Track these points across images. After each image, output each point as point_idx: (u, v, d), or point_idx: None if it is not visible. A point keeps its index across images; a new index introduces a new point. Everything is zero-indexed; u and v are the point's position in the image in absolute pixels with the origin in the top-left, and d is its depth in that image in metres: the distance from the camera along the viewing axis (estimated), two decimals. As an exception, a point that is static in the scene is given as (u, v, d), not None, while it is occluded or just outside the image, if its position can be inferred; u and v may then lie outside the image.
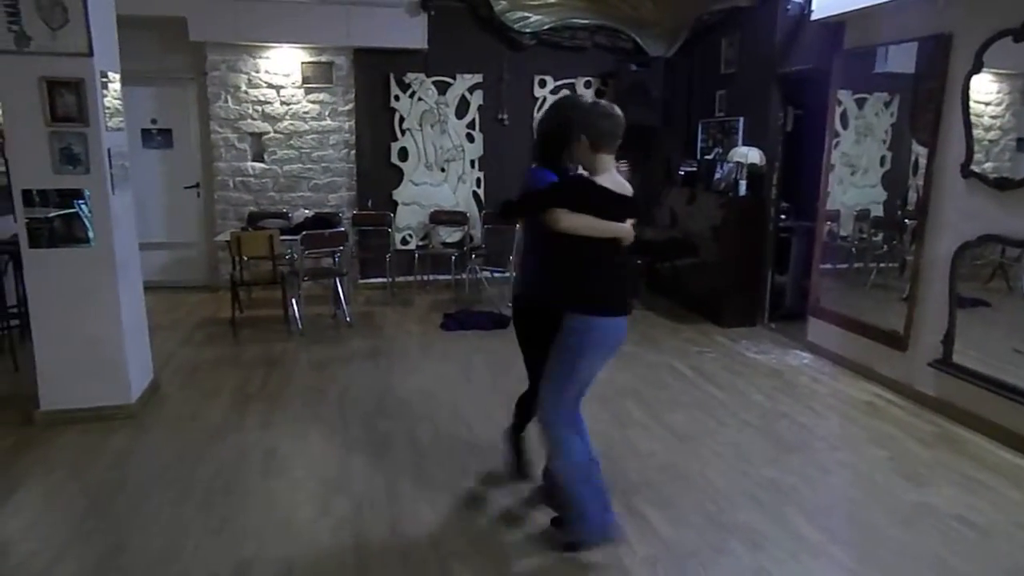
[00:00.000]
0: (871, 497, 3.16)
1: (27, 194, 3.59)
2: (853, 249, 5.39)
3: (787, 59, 5.66)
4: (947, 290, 4.06)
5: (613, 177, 2.60)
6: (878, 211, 5.15)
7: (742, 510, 3.02)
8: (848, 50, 4.91)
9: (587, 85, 7.40)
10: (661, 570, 2.60)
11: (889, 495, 3.17)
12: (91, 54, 3.53)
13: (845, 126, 5.14)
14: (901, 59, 4.64)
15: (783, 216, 6.04)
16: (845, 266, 5.45)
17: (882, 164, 5.05)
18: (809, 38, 5.36)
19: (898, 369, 4.44)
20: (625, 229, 2.61)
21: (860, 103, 5.13)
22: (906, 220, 4.68)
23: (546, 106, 2.86)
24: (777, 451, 3.60)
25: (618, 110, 2.62)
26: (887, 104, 5.04)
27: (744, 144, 6.20)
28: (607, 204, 2.55)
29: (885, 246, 5.16)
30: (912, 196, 4.52)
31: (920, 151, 4.38)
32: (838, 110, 5.08)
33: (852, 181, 5.21)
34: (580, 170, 2.71)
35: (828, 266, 5.35)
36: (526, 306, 2.90)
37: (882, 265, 5.19)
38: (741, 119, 6.33)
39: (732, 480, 3.29)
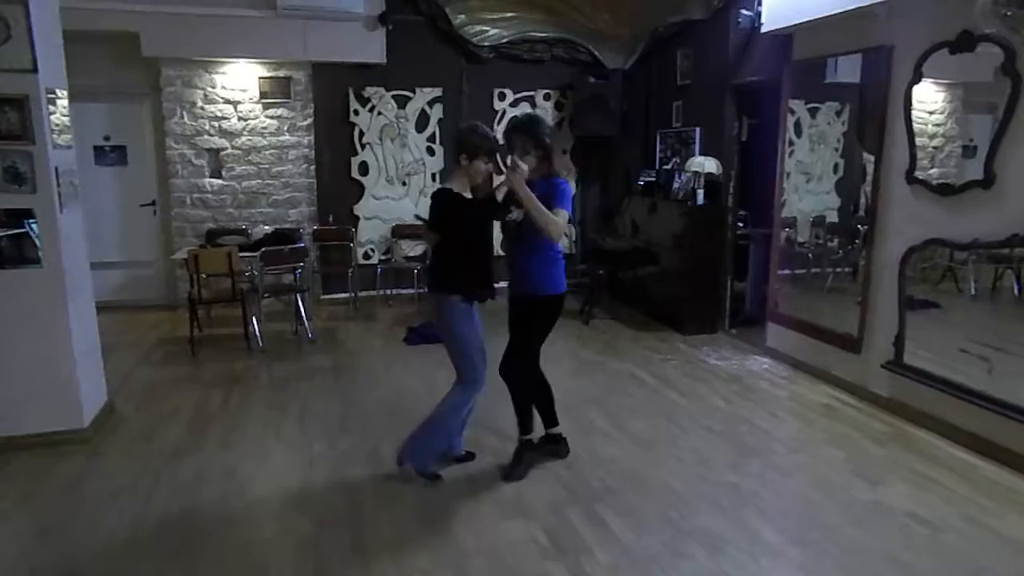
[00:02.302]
0: (828, 497, 3.22)
1: (-28, 214, 3.49)
2: (810, 255, 5.52)
3: (740, 70, 5.79)
4: (896, 293, 4.18)
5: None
6: (833, 217, 5.29)
7: (703, 515, 3.05)
8: (798, 61, 5.04)
9: (546, 97, 7.48)
10: (623, 577, 2.62)
11: (845, 495, 3.24)
12: (35, 70, 3.46)
13: (799, 134, 5.28)
14: (849, 70, 4.78)
15: (741, 224, 6.15)
16: (803, 271, 5.58)
17: (835, 171, 5.19)
18: (760, 50, 5.50)
19: (853, 371, 4.55)
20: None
21: (813, 112, 5.27)
22: (859, 225, 4.80)
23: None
24: (738, 455, 3.66)
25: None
26: (839, 113, 5.18)
27: (701, 154, 6.32)
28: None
29: (840, 251, 5.29)
30: (863, 202, 4.65)
31: (869, 158, 4.52)
32: (791, 119, 5.22)
33: (807, 188, 5.34)
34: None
35: (786, 272, 5.47)
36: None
37: (838, 270, 5.32)
38: (697, 129, 6.45)
39: (693, 485, 3.33)
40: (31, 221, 3.59)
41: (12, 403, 3.69)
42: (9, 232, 3.56)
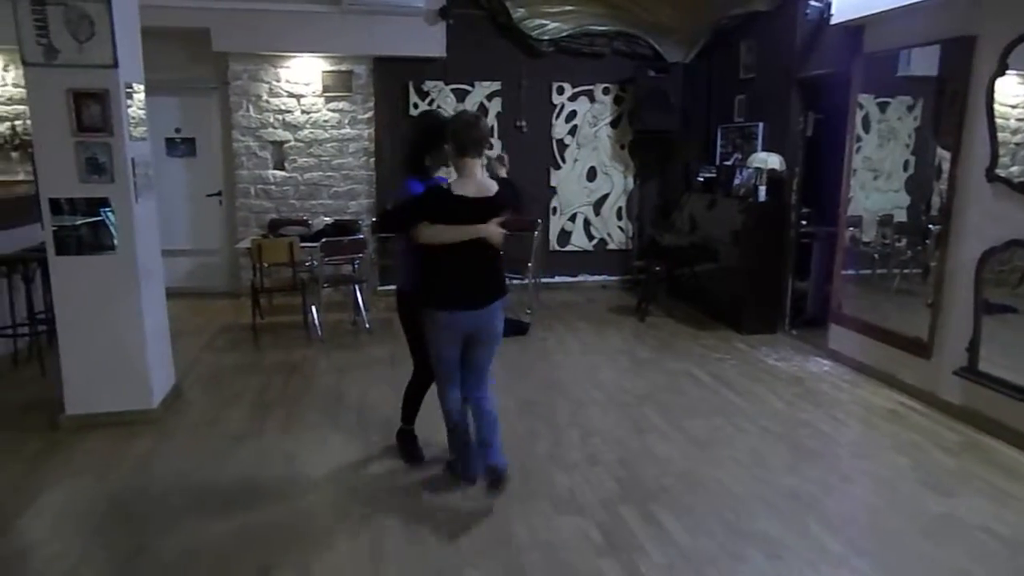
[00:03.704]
0: (894, 507, 3.11)
1: (55, 202, 3.67)
2: (876, 255, 5.31)
3: (807, 63, 5.61)
4: (972, 296, 3.99)
5: (476, 180, 2.93)
6: (902, 216, 5.07)
7: (761, 518, 2.98)
8: (869, 54, 4.86)
9: (605, 92, 7.40)
10: (678, 578, 2.58)
11: (913, 505, 3.12)
12: (116, 66, 3.61)
13: (867, 130, 5.08)
14: (924, 62, 4.58)
15: (804, 222, 5.98)
16: (868, 272, 5.37)
17: (906, 168, 4.97)
18: (829, 42, 5.31)
19: (921, 376, 4.37)
20: (485, 230, 2.93)
21: (883, 107, 5.06)
22: (930, 225, 4.60)
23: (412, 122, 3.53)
24: (797, 459, 3.56)
25: (483, 120, 3.03)
26: (910, 108, 4.96)
27: (764, 149, 6.16)
28: (463, 210, 2.87)
29: (909, 252, 5.07)
30: (936, 201, 4.46)
31: (944, 155, 4.32)
32: (860, 114, 5.03)
33: (875, 186, 5.14)
34: (442, 173, 3.22)
35: (850, 272, 5.28)
36: (408, 298, 3.22)
37: (906, 271, 5.11)
38: (761, 124, 6.29)
39: (751, 488, 3.26)
40: (107, 209, 3.75)
41: (89, 383, 3.87)
42: (87, 220, 3.73)
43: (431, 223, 2.89)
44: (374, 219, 3.23)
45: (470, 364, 3.15)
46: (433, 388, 3.36)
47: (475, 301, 3.00)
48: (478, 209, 2.92)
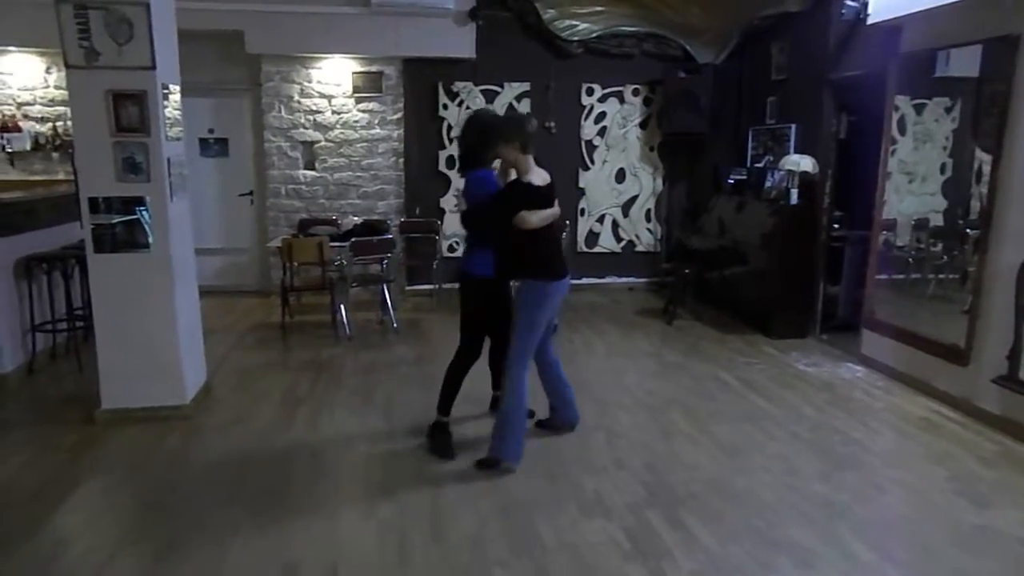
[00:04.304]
0: (929, 517, 3.04)
1: (93, 201, 3.75)
2: (910, 259, 5.20)
3: (840, 64, 5.52)
4: (1013, 303, 3.89)
5: (537, 172, 3.34)
6: (938, 220, 4.96)
7: (792, 526, 2.94)
8: (906, 54, 4.76)
9: (635, 93, 7.36)
10: (707, 586, 2.55)
11: (949, 516, 3.05)
12: (154, 67, 3.68)
13: (903, 132, 4.99)
14: (963, 62, 4.48)
15: (836, 225, 5.88)
16: (901, 277, 5.27)
17: (942, 172, 4.87)
18: (864, 42, 5.22)
19: (958, 384, 4.27)
20: (556, 212, 3.43)
21: (919, 108, 4.96)
22: (967, 230, 4.50)
23: (462, 122, 3.80)
24: (829, 466, 3.50)
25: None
26: (948, 109, 4.86)
27: (796, 151, 6.07)
28: (541, 198, 3.31)
29: (944, 256, 4.96)
30: (975, 205, 4.35)
31: (984, 158, 4.22)
32: (895, 116, 4.93)
33: (910, 189, 5.03)
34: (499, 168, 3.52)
35: (883, 276, 5.18)
36: (480, 285, 3.55)
37: (941, 276, 5.00)
38: (793, 126, 6.20)
39: (781, 495, 3.21)
40: (142, 208, 3.82)
41: (124, 378, 3.95)
42: (124, 218, 3.81)
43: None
44: (462, 212, 3.57)
45: (547, 328, 3.58)
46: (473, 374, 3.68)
47: (567, 269, 3.50)
48: (548, 195, 3.37)
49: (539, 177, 3.33)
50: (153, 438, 3.76)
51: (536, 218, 3.28)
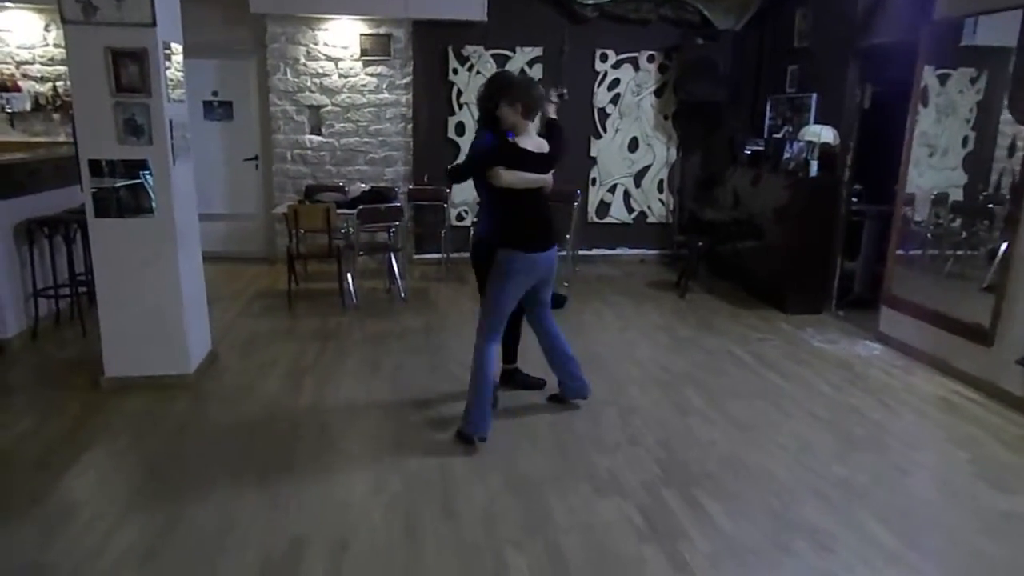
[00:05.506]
0: (952, 502, 2.96)
1: (95, 164, 3.64)
2: (928, 235, 5.06)
3: (868, 31, 5.32)
4: (1041, 282, 3.77)
5: (532, 139, 3.35)
6: (958, 195, 4.80)
7: (809, 508, 2.87)
8: (938, 21, 4.56)
9: (650, 59, 7.15)
10: (723, 568, 2.49)
11: (972, 501, 2.97)
12: (154, 24, 3.53)
13: (925, 104, 4.81)
14: (992, 31, 4.28)
15: (855, 199, 5.73)
16: (919, 252, 5.13)
17: (964, 145, 4.69)
18: (893, 9, 5.02)
19: (980, 365, 4.17)
20: (545, 179, 3.39)
21: (943, 79, 4.77)
22: (990, 205, 4.35)
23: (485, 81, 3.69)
24: (847, 447, 3.42)
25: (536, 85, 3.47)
26: (973, 80, 4.67)
27: (817, 122, 5.89)
28: (529, 161, 3.29)
29: (964, 232, 4.82)
30: (1002, 180, 4.19)
31: (1019, 131, 4.05)
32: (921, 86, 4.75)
33: (930, 163, 4.87)
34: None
35: (899, 252, 5.05)
36: (485, 250, 3.49)
37: (959, 253, 4.86)
38: (814, 96, 6.02)
39: (798, 475, 3.13)
40: (146, 172, 3.71)
41: (127, 345, 3.88)
42: (126, 182, 3.70)
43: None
44: (447, 167, 3.70)
45: (540, 299, 3.58)
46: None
47: (547, 243, 3.40)
48: (538, 162, 3.33)
49: (532, 144, 3.32)
50: (158, 407, 3.70)
51: (511, 176, 3.25)
